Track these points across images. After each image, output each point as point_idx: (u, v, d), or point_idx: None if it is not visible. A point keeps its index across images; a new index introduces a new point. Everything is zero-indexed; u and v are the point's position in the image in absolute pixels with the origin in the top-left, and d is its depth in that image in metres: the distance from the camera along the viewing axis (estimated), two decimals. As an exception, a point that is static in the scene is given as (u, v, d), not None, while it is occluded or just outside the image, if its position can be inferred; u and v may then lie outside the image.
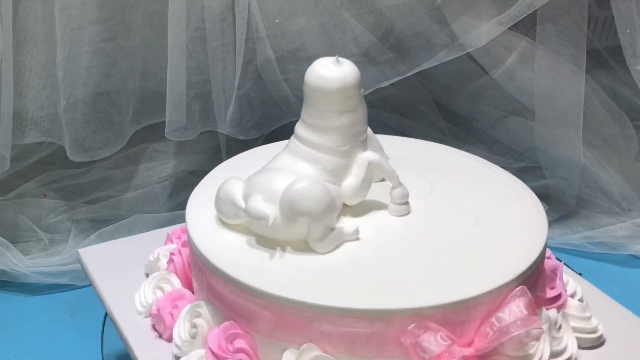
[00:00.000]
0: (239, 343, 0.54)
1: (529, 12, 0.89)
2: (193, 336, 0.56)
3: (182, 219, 0.64)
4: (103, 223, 0.95)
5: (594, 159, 0.97)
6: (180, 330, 0.57)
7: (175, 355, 0.57)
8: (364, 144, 0.59)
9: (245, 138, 0.95)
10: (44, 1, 0.86)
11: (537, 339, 0.52)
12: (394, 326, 0.50)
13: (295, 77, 0.94)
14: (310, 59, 0.92)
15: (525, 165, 1.00)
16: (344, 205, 0.59)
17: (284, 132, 0.97)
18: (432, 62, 0.93)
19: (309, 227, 0.54)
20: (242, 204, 0.56)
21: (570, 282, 0.64)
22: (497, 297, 0.52)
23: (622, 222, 0.95)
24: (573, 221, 0.98)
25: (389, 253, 0.56)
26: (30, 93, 0.90)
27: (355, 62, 0.95)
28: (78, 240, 0.93)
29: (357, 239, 0.57)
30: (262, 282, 0.52)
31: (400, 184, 0.59)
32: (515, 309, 0.51)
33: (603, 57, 1.06)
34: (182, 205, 0.65)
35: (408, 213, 0.60)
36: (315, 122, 0.58)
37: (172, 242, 0.69)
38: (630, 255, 0.93)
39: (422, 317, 0.50)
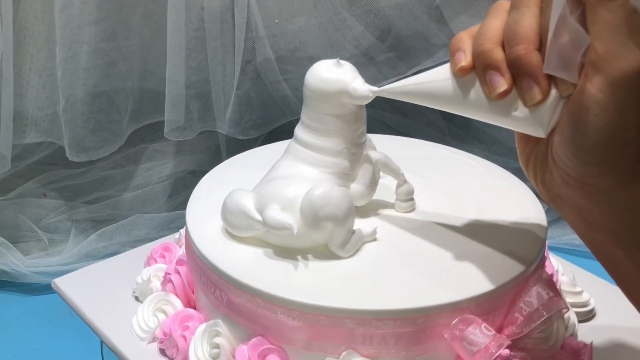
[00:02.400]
0: (273, 359, 0.52)
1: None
2: (215, 357, 0.54)
3: (181, 219, 0.64)
4: (103, 223, 0.95)
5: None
6: (198, 352, 0.55)
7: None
8: (365, 144, 0.60)
9: (244, 138, 0.95)
10: (44, 1, 0.87)
11: (563, 318, 0.53)
12: (436, 322, 0.50)
13: (294, 77, 0.94)
14: (310, 59, 0.92)
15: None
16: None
17: (283, 131, 0.97)
18: (430, 62, 0.93)
19: (333, 232, 0.54)
20: (256, 215, 0.54)
21: (554, 262, 0.66)
22: (521, 282, 0.52)
23: None
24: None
25: (406, 251, 0.56)
26: (30, 93, 0.90)
27: (355, 62, 0.95)
28: (78, 241, 0.94)
29: (375, 239, 0.57)
30: (294, 293, 0.50)
31: (405, 181, 0.60)
32: (542, 292, 0.51)
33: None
34: (182, 206, 0.65)
35: (414, 209, 0.60)
36: (317, 125, 0.57)
37: (155, 261, 0.67)
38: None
39: (461, 310, 0.50)
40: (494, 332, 0.50)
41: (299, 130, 0.58)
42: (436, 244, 0.56)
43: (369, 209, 0.60)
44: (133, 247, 0.92)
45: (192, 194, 0.64)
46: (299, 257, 0.54)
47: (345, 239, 0.54)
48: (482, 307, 0.50)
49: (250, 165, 0.68)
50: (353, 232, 0.55)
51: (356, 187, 0.58)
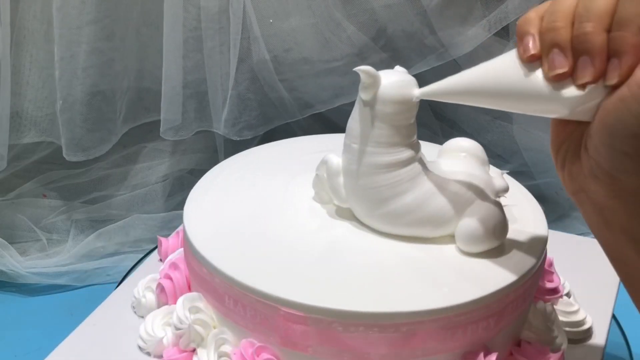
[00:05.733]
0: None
1: (515, 17, 0.89)
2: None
3: (180, 219, 0.64)
4: (102, 223, 0.96)
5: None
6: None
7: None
8: None
9: (239, 139, 0.95)
10: (43, 1, 0.87)
11: None
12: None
13: (290, 77, 0.94)
14: (304, 59, 0.93)
15: (514, 167, 1.01)
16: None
17: (278, 132, 0.97)
18: (422, 65, 0.93)
19: None
20: None
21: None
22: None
23: None
24: (568, 222, 0.99)
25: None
26: (29, 92, 0.91)
27: (348, 63, 0.95)
28: (77, 241, 0.94)
29: None
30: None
31: None
32: None
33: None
34: (181, 205, 0.65)
35: None
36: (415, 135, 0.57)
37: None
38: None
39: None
40: None
41: (413, 146, 0.56)
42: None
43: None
44: (131, 247, 0.93)
45: (190, 194, 0.65)
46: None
47: None
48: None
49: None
50: None
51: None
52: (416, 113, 0.55)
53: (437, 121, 1.05)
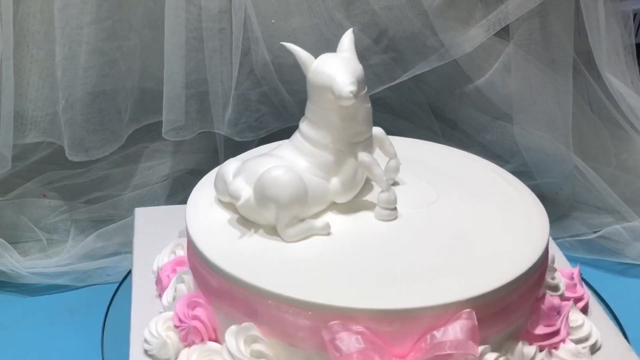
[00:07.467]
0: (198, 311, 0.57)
1: (515, 17, 0.89)
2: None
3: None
4: (103, 223, 0.96)
5: (584, 161, 0.97)
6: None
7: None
8: (364, 145, 0.60)
9: (240, 140, 0.95)
10: (44, 1, 0.87)
11: None
12: (320, 320, 0.51)
13: (291, 79, 0.94)
14: (305, 61, 0.92)
15: (514, 167, 1.01)
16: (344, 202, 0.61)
17: (279, 134, 0.97)
18: (424, 66, 0.93)
19: (277, 214, 0.56)
20: (229, 182, 0.59)
21: (587, 323, 0.60)
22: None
23: (619, 225, 0.95)
24: (568, 222, 0.99)
25: (365, 252, 0.57)
26: (30, 93, 0.90)
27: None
28: (77, 241, 0.94)
29: (329, 234, 0.58)
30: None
31: (388, 188, 0.59)
32: (453, 330, 0.50)
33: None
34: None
35: (394, 219, 0.60)
36: (314, 118, 0.59)
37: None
38: (626, 262, 0.93)
39: (348, 317, 0.50)
40: (365, 345, 0.49)
41: (302, 121, 0.61)
42: (404, 250, 0.57)
43: (354, 208, 0.61)
44: (132, 247, 0.93)
45: (191, 194, 0.65)
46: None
47: (288, 223, 0.56)
48: (376, 323, 0.50)
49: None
50: (302, 220, 0.57)
51: (334, 183, 0.59)
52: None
53: (437, 121, 1.05)
